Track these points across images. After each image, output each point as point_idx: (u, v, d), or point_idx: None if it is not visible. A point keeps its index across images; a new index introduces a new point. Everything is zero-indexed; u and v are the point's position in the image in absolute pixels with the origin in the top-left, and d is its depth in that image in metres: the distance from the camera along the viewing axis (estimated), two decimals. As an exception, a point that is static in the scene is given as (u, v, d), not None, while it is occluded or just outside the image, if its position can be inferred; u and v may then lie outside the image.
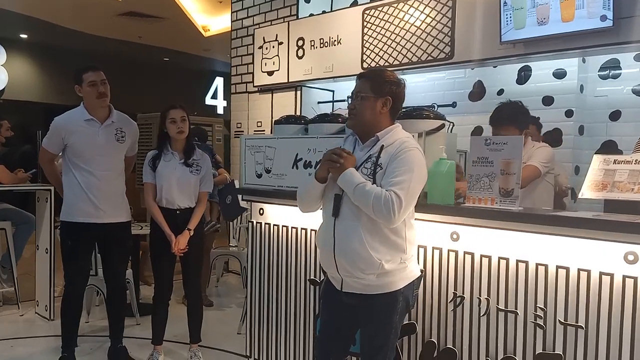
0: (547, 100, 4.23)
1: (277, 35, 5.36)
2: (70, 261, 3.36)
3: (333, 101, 5.35)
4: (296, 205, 2.40)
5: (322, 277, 2.80)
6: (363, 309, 2.20)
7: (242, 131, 6.03)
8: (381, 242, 2.09)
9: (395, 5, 4.34)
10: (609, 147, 4.03)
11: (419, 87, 4.98)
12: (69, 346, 3.41)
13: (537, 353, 2.10)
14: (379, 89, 2.15)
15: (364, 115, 2.16)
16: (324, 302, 2.42)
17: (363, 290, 2.15)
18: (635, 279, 1.87)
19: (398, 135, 2.17)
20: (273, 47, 5.40)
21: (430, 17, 4.14)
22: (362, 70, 4.57)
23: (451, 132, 2.66)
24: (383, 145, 2.13)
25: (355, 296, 2.19)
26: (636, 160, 2.27)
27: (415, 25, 4.24)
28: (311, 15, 5.22)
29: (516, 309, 2.15)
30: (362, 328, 2.27)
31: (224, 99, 12.45)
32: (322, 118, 3.05)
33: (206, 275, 5.16)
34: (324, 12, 5.22)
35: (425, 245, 2.42)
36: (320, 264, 2.79)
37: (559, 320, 2.04)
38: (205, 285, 5.12)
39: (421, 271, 2.29)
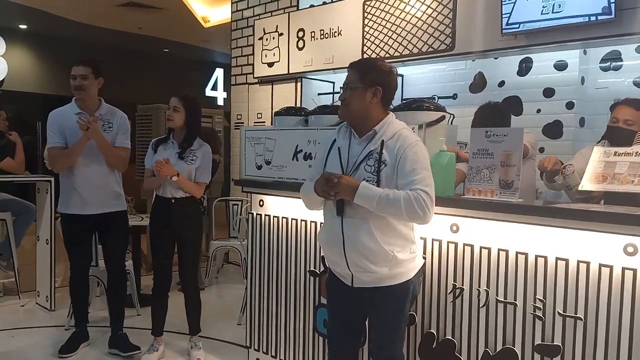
0: (548, 92, 4.21)
1: (277, 26, 5.34)
2: (72, 246, 3.56)
3: (333, 93, 5.33)
4: (296, 197, 2.40)
5: (322, 268, 2.81)
6: (375, 301, 2.19)
7: (242, 122, 6.02)
8: (392, 234, 2.11)
9: (396, -4, 4.32)
10: (609, 139, 4.02)
11: (420, 78, 4.96)
12: (80, 322, 3.62)
13: (536, 344, 2.11)
14: (367, 79, 2.14)
15: (353, 105, 2.16)
16: (330, 298, 2.40)
17: (376, 284, 2.16)
18: (635, 270, 1.87)
19: (395, 127, 2.16)
20: (273, 38, 5.37)
21: (431, 8, 4.12)
22: (362, 62, 4.56)
23: (451, 124, 2.65)
24: (383, 140, 2.12)
25: (367, 289, 2.18)
26: (636, 153, 2.26)
27: (416, 17, 4.22)
28: (311, 6, 5.18)
29: (515, 300, 2.16)
30: (374, 319, 2.27)
31: (224, 91, 12.41)
32: (323, 109, 3.05)
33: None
34: (324, 3, 5.19)
35: (425, 237, 2.42)
36: (321, 256, 2.80)
37: (558, 312, 2.04)
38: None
39: (423, 258, 2.32)
